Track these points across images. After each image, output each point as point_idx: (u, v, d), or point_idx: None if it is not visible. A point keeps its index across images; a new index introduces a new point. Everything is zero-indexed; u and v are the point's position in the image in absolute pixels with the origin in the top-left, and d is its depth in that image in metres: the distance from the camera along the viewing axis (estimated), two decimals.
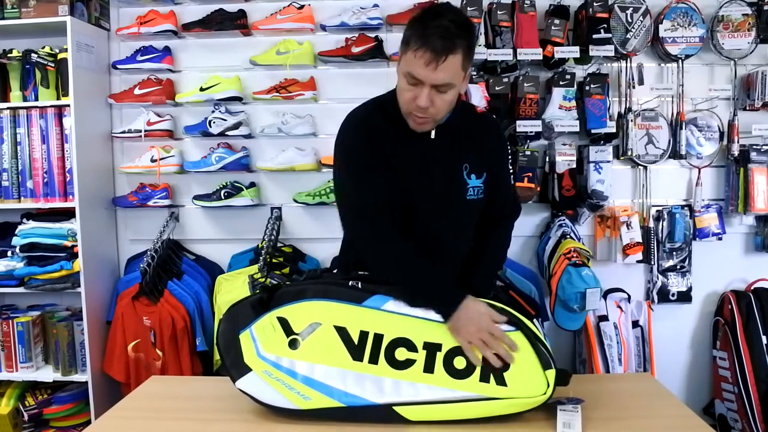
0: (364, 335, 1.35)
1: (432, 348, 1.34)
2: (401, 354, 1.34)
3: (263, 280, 2.45)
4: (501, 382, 1.31)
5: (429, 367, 1.32)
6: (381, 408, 1.31)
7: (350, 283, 1.41)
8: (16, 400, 2.69)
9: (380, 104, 1.58)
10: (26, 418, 2.65)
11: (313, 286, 1.42)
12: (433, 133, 1.53)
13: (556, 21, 2.64)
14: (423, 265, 1.44)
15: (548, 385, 1.30)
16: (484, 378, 1.31)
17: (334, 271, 1.65)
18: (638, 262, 2.77)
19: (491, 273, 1.73)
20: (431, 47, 1.35)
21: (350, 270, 1.49)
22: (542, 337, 1.35)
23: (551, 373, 1.31)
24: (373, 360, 1.33)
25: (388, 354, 1.34)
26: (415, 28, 1.40)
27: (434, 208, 1.55)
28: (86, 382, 2.65)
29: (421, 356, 1.33)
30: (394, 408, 1.31)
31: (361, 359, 1.34)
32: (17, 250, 2.64)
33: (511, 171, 2.71)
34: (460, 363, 1.33)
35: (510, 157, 2.75)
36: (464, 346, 1.34)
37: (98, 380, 2.67)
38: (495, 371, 1.31)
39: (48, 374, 2.68)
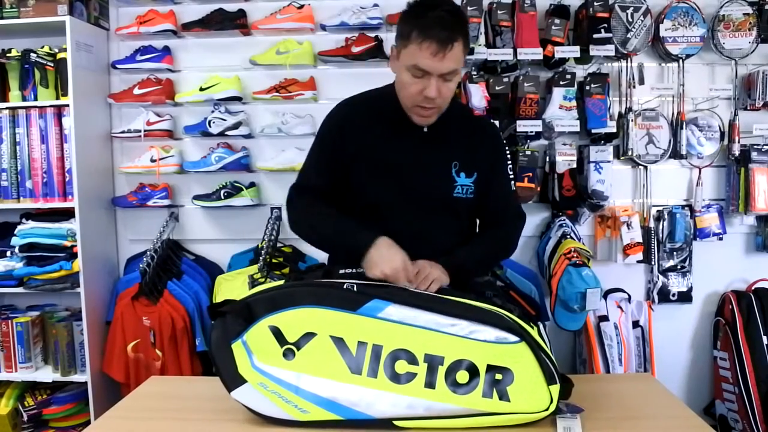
0: (362, 346, 1.30)
1: (433, 361, 1.29)
2: (401, 367, 1.29)
3: (263, 280, 2.45)
4: (504, 397, 1.28)
5: (430, 383, 1.28)
6: (380, 422, 1.29)
7: (345, 285, 1.35)
8: (16, 400, 2.68)
9: (373, 96, 1.63)
10: (26, 418, 2.65)
11: (305, 288, 1.36)
12: (426, 127, 1.56)
13: (557, 21, 2.63)
14: (344, 219, 1.53)
15: (551, 401, 1.28)
16: (486, 393, 1.27)
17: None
18: (638, 262, 2.77)
19: (477, 251, 1.63)
20: (436, 38, 1.39)
21: (338, 263, 1.47)
22: (547, 348, 1.31)
23: (555, 389, 1.28)
24: (372, 373, 1.29)
25: (387, 367, 1.29)
26: (413, 22, 1.43)
27: (418, 202, 1.56)
28: (86, 383, 2.64)
29: (422, 369, 1.28)
30: (394, 422, 1.29)
31: (359, 372, 1.29)
32: (16, 250, 2.64)
33: (511, 171, 2.71)
34: (462, 377, 1.28)
35: (510, 157, 2.76)
36: (387, 276, 1.35)
37: (98, 380, 2.66)
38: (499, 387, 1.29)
39: (47, 374, 2.68)
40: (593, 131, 2.67)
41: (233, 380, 1.33)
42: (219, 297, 2.64)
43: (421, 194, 1.56)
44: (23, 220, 2.67)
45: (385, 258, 1.37)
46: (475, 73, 2.65)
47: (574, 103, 2.65)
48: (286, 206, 1.65)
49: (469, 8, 2.57)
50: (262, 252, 2.58)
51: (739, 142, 2.70)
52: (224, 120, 2.74)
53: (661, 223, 2.77)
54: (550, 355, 1.31)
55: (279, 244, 2.76)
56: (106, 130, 2.86)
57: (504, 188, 1.69)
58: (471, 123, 1.66)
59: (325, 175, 1.59)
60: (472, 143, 1.60)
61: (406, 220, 1.56)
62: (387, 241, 1.41)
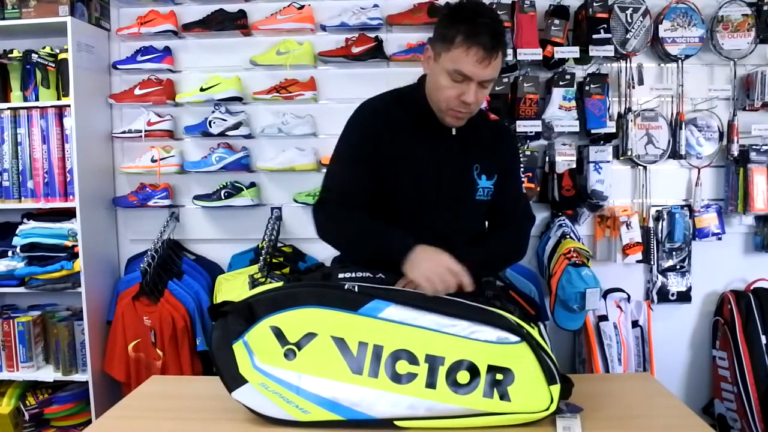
0: (363, 346, 1.30)
1: (434, 361, 1.29)
2: (402, 367, 1.29)
3: (263, 280, 2.46)
4: (505, 397, 1.28)
5: (431, 383, 1.28)
6: (381, 422, 1.30)
7: (346, 286, 1.34)
8: (17, 399, 2.69)
9: (400, 96, 1.60)
10: (27, 417, 2.66)
11: (306, 289, 1.36)
12: (454, 129, 1.55)
13: (556, 21, 2.64)
14: (377, 224, 1.49)
15: (551, 401, 1.28)
16: (487, 393, 1.28)
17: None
18: (638, 262, 2.77)
19: (487, 252, 1.62)
20: (483, 45, 1.38)
21: (347, 265, 1.46)
22: (548, 348, 1.32)
23: (555, 389, 1.28)
24: (373, 373, 1.29)
25: (388, 367, 1.29)
26: (459, 26, 1.40)
27: (443, 204, 1.56)
28: (87, 382, 2.65)
29: (423, 370, 1.29)
30: (395, 422, 1.30)
31: (360, 372, 1.29)
32: (18, 250, 2.65)
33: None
34: (463, 377, 1.28)
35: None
36: (420, 283, 1.33)
37: (99, 380, 2.67)
38: (500, 387, 1.29)
39: (49, 374, 2.69)
40: (593, 131, 2.68)
41: (234, 380, 1.34)
42: (219, 297, 2.64)
43: (447, 196, 1.56)
44: (24, 220, 2.68)
45: (429, 259, 1.35)
46: None
47: (573, 103, 2.66)
48: (318, 225, 1.56)
49: None
50: (263, 252, 2.58)
51: (737, 142, 2.71)
52: (225, 120, 2.74)
53: (661, 223, 2.78)
54: (551, 355, 1.32)
55: (279, 244, 2.76)
56: (107, 130, 2.86)
57: (516, 189, 1.72)
58: (489, 126, 1.66)
59: (354, 180, 1.53)
60: (492, 146, 1.61)
61: (430, 222, 1.55)
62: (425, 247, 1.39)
